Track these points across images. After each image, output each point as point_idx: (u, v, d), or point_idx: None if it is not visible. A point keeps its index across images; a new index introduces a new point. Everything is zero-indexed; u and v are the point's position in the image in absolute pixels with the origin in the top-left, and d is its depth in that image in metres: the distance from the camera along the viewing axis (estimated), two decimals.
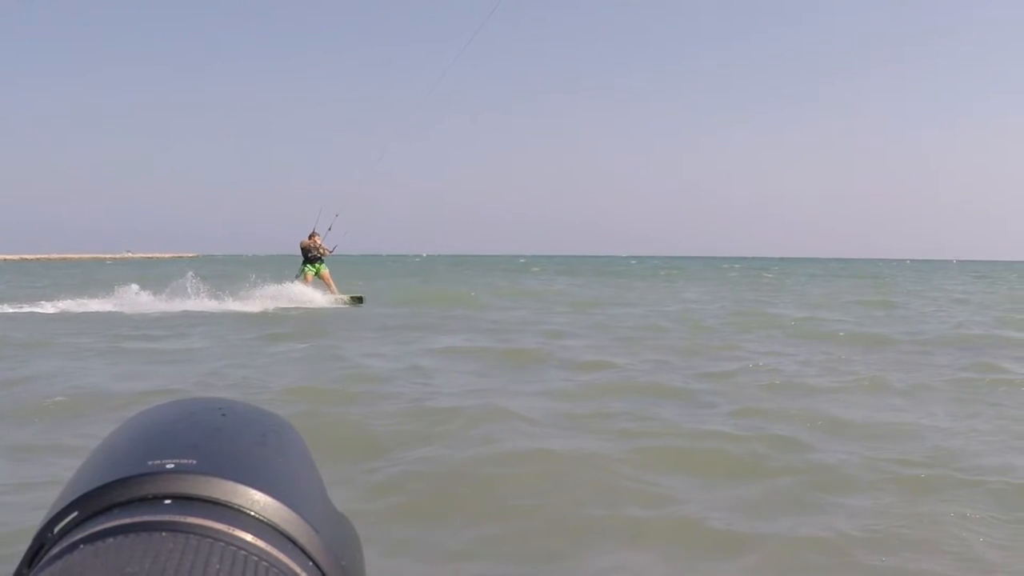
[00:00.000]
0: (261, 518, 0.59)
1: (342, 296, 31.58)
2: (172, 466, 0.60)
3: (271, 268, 42.66)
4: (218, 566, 0.52)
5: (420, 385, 12.57)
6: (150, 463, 0.60)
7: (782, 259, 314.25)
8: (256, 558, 0.55)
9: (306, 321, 23.46)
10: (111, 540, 0.54)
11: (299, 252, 32.40)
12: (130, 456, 0.62)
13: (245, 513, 0.58)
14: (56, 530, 0.58)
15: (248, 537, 0.56)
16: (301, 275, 31.93)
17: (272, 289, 30.62)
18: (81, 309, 26.81)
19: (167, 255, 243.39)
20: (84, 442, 8.95)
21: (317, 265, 31.94)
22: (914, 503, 7.30)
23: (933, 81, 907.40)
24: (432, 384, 12.73)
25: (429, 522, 6.76)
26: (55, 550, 0.56)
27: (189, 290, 29.43)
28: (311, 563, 0.59)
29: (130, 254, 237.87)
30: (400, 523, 6.56)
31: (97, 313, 26.08)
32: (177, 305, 27.84)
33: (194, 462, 0.60)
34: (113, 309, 26.86)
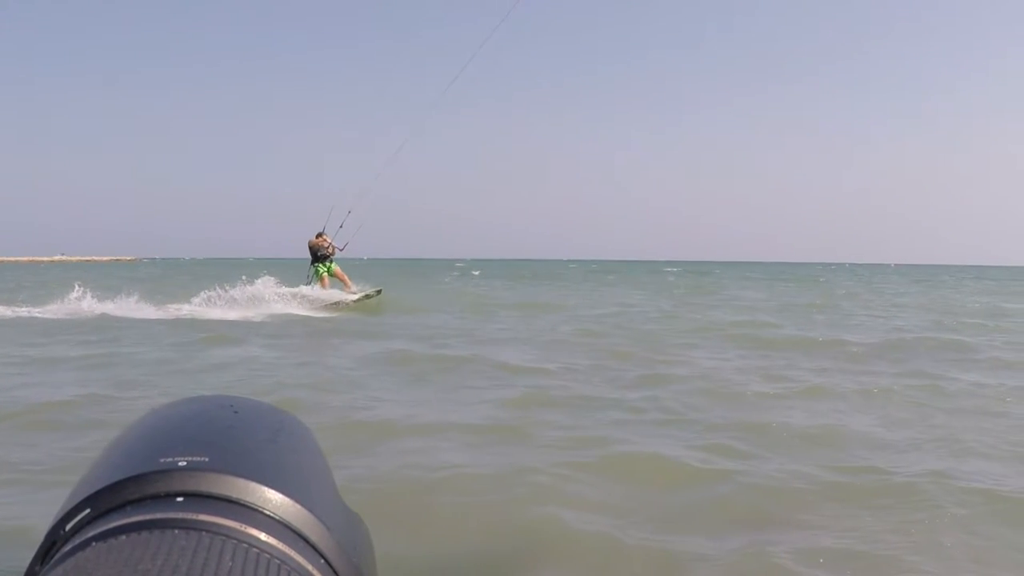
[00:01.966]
0: (273, 516, 0.59)
1: (359, 292, 31.42)
2: (184, 463, 0.60)
3: (214, 271, 42.19)
4: (230, 563, 0.52)
5: (348, 393, 12.35)
6: (162, 460, 0.61)
7: (722, 263, 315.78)
8: (268, 556, 0.55)
9: (243, 327, 23.07)
10: (123, 537, 0.54)
11: (301, 254, 32.06)
12: (142, 453, 0.62)
13: (257, 511, 0.59)
14: (68, 527, 0.58)
15: (261, 535, 0.57)
16: (315, 278, 31.57)
17: (231, 294, 29.80)
18: (14, 315, 26.21)
19: (104, 258, 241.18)
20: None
21: (328, 264, 31.57)
22: (854, 513, 7.22)
23: (870, 88, 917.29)
24: (361, 392, 12.50)
25: None
26: (67, 547, 0.56)
27: (130, 296, 29.01)
28: (323, 560, 0.59)
29: (64, 257, 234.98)
30: None
31: (31, 318, 25.56)
32: (118, 310, 27.42)
33: (206, 459, 0.61)
34: (50, 316, 26.27)
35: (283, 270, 32.04)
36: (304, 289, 30.46)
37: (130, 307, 27.99)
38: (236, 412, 0.69)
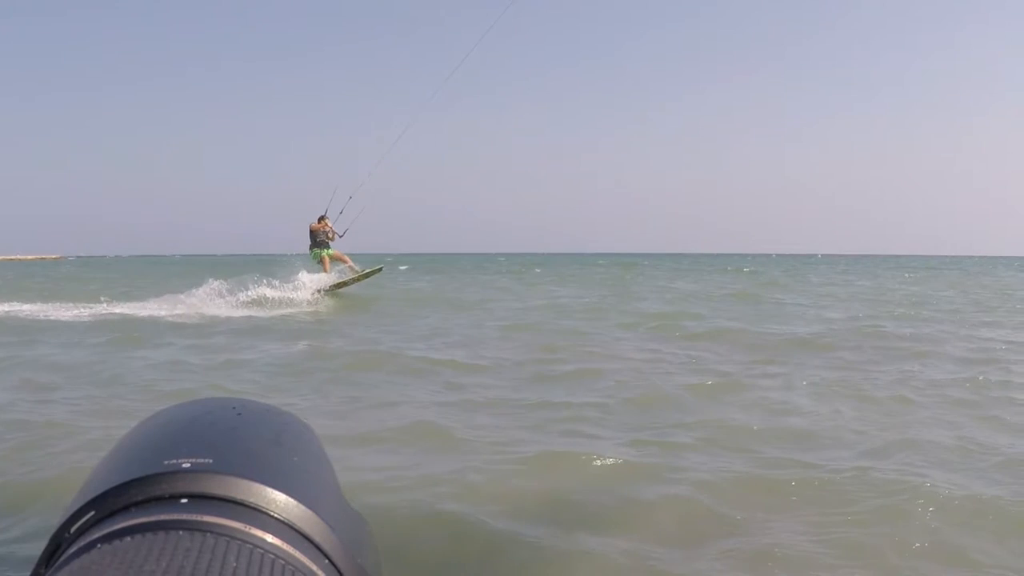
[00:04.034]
0: (278, 516, 0.60)
1: (361, 270, 31.89)
2: (188, 465, 0.61)
3: (141, 269, 41.48)
4: (235, 564, 0.53)
5: (270, 396, 11.96)
6: (166, 462, 0.61)
7: (651, 254, 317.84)
8: (273, 556, 0.56)
9: (170, 328, 22.46)
10: (128, 539, 0.54)
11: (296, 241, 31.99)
12: (146, 455, 0.63)
13: (262, 512, 0.60)
14: (73, 529, 0.59)
15: (265, 536, 0.57)
16: (318, 264, 31.30)
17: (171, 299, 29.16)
18: None
19: (29, 256, 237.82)
20: None
21: (327, 250, 31.27)
22: (780, 509, 7.14)
23: (800, 83, 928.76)
24: (284, 393, 12.26)
25: None
26: (72, 549, 0.57)
27: (52, 296, 28.48)
28: (327, 561, 0.60)
29: None
30: None
31: None
32: (39, 311, 26.70)
33: (210, 461, 0.62)
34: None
35: (218, 269, 31.39)
36: (311, 276, 30.36)
37: (53, 308, 27.34)
38: (239, 414, 0.69)
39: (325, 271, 31.04)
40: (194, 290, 29.57)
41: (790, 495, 7.45)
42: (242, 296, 28.93)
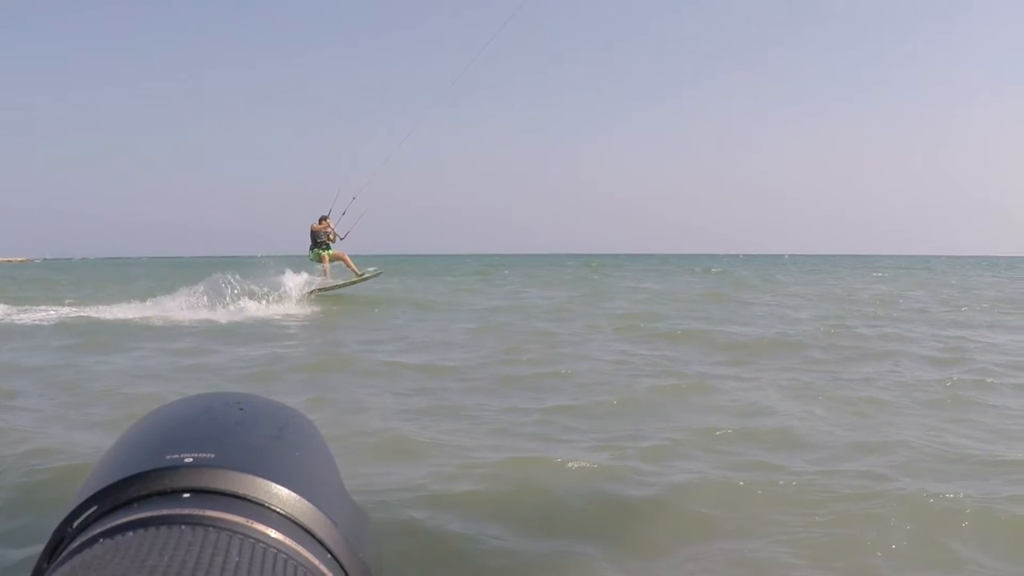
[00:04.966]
0: (280, 511, 0.60)
1: (361, 272, 31.89)
2: (191, 460, 0.61)
3: (104, 272, 41.14)
4: (237, 559, 0.53)
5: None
6: (168, 457, 0.62)
7: (619, 255, 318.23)
8: (275, 551, 0.56)
9: (137, 331, 22.23)
10: (131, 534, 0.55)
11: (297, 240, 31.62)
12: (148, 450, 0.63)
13: (264, 506, 0.60)
14: (75, 524, 0.59)
15: (267, 530, 0.58)
16: (318, 264, 31.09)
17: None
18: None
19: None
20: None
21: (327, 250, 31.00)
22: (743, 512, 7.06)
23: (761, 87, 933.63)
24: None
25: None
26: (74, 544, 0.57)
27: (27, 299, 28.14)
28: (329, 555, 0.60)
29: None
30: None
31: None
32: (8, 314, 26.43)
33: (212, 456, 0.62)
34: None
35: (190, 271, 31.03)
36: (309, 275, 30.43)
37: (17, 311, 27.05)
38: (242, 409, 0.70)
39: (325, 270, 30.90)
40: (167, 298, 28.75)
41: (762, 497, 7.39)
42: (221, 311, 27.19)
